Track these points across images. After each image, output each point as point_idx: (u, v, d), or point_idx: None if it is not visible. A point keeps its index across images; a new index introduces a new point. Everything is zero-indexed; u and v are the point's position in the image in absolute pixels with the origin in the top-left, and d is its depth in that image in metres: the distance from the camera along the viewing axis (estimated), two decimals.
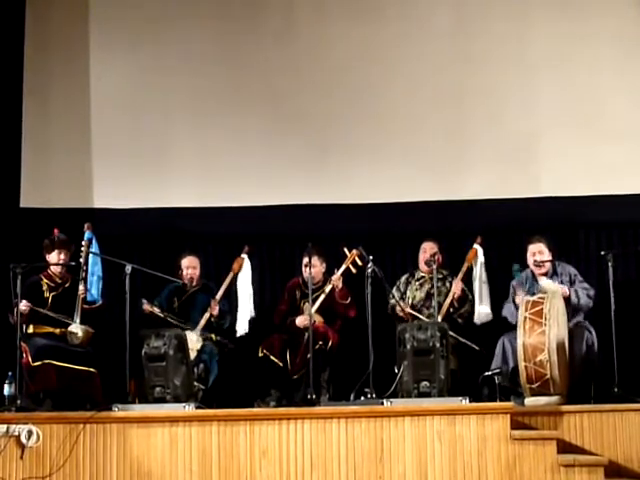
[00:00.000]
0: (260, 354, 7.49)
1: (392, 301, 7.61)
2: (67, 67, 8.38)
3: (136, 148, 8.31)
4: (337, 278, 7.53)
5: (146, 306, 7.50)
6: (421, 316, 7.57)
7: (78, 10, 8.44)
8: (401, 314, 7.52)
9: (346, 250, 7.55)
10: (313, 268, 7.40)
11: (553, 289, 6.97)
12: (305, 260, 7.45)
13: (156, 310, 7.50)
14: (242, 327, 7.65)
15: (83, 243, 7.25)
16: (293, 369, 7.40)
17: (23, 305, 6.84)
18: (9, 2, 8.28)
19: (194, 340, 7.34)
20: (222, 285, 7.69)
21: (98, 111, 8.36)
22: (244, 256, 7.76)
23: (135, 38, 8.42)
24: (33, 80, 8.32)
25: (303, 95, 8.40)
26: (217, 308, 7.57)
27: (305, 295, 7.52)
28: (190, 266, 7.75)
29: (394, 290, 7.75)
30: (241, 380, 7.68)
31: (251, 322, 7.70)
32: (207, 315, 7.57)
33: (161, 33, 8.40)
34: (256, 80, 8.39)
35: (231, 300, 7.80)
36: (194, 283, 7.77)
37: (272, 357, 7.45)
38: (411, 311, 7.61)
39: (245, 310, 7.66)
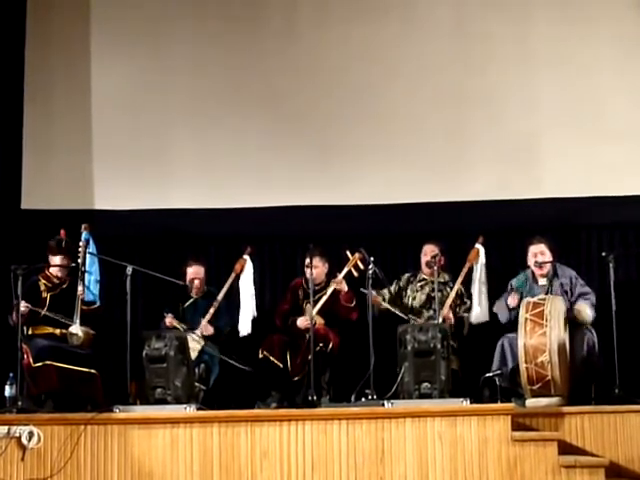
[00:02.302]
0: (260, 355, 7.47)
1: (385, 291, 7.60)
2: (68, 68, 8.38)
3: (137, 149, 8.31)
4: (339, 281, 7.52)
5: (169, 320, 7.50)
6: (397, 312, 7.53)
7: (79, 11, 8.43)
8: (378, 306, 7.47)
9: (348, 253, 7.55)
10: (315, 269, 7.40)
11: (585, 315, 7.00)
12: (307, 261, 7.45)
13: (179, 325, 7.49)
14: (245, 328, 7.64)
15: (80, 244, 7.24)
16: (293, 370, 7.39)
17: (22, 306, 6.82)
18: (10, 3, 8.28)
19: (195, 340, 7.33)
20: (223, 287, 7.68)
21: (99, 112, 8.36)
22: (246, 257, 7.75)
23: (136, 38, 8.42)
24: (34, 81, 8.32)
25: (304, 96, 8.39)
26: (211, 328, 7.58)
27: (308, 295, 7.52)
28: (196, 277, 7.74)
29: (394, 284, 7.73)
30: (242, 381, 7.67)
31: (253, 322, 7.69)
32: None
33: (162, 33, 8.40)
34: (257, 81, 8.39)
35: (232, 302, 7.77)
36: (199, 290, 7.78)
37: (272, 358, 7.43)
38: (388, 306, 7.56)
39: (247, 310, 7.66)
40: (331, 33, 8.42)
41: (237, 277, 7.71)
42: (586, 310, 7.13)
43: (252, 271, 7.73)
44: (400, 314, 7.49)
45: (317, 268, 7.57)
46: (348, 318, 7.59)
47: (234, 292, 7.74)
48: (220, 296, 7.64)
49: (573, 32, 8.27)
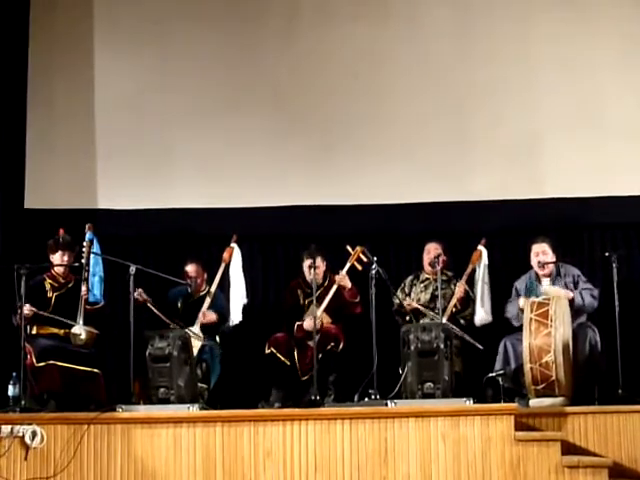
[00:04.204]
0: (267, 351, 7.46)
1: (397, 300, 7.62)
2: (71, 68, 8.38)
3: (140, 149, 8.30)
4: (342, 277, 7.52)
5: (140, 295, 7.40)
6: (426, 311, 7.56)
7: (82, 11, 8.44)
8: (407, 308, 7.51)
9: (349, 248, 7.55)
10: (317, 269, 7.40)
11: (555, 293, 6.98)
12: (309, 262, 7.44)
13: (149, 300, 7.45)
14: (236, 315, 7.64)
15: (84, 244, 7.24)
16: (303, 370, 7.38)
17: (27, 309, 6.83)
18: (14, 4, 8.28)
19: (194, 337, 7.32)
20: (215, 278, 7.69)
21: (102, 112, 8.36)
22: (233, 245, 7.75)
23: (139, 39, 8.42)
24: (38, 81, 8.32)
25: (306, 96, 8.40)
26: (212, 315, 7.60)
27: (307, 294, 7.52)
28: (196, 276, 7.75)
29: (399, 292, 7.73)
30: (245, 380, 7.69)
31: (245, 309, 7.68)
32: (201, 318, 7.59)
33: (165, 34, 8.40)
34: (259, 81, 8.39)
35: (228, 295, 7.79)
36: (201, 289, 7.79)
37: (279, 355, 7.43)
38: (416, 305, 7.60)
39: (237, 298, 7.66)
40: (332, 33, 8.43)
41: (227, 266, 7.71)
42: (550, 287, 7.09)
43: (240, 259, 7.73)
44: (430, 313, 7.51)
45: (318, 268, 7.56)
46: (352, 312, 7.59)
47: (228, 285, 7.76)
48: (213, 287, 7.64)
49: (574, 32, 8.27)
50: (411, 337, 6.25)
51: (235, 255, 7.74)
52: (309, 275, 7.49)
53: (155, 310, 7.44)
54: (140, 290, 7.34)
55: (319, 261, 7.58)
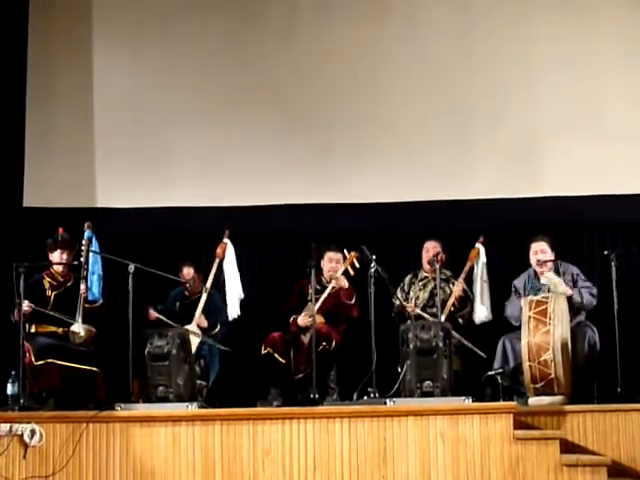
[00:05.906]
0: (263, 351, 7.45)
1: (397, 302, 7.62)
2: (70, 66, 8.40)
3: (139, 148, 8.32)
4: (339, 278, 7.51)
5: (152, 313, 7.50)
6: (427, 316, 7.56)
7: (81, 10, 8.45)
8: (411, 313, 7.52)
9: (346, 252, 7.56)
10: (333, 263, 7.51)
11: (555, 281, 6.97)
12: (330, 254, 7.50)
13: (163, 317, 7.48)
14: (233, 310, 7.64)
15: (83, 242, 7.23)
16: (296, 369, 7.38)
17: (26, 306, 6.84)
18: (13, 3, 8.28)
19: (192, 334, 7.31)
20: (210, 275, 7.67)
21: (101, 111, 8.37)
22: (226, 240, 7.74)
23: (138, 38, 8.43)
24: (37, 80, 8.33)
25: (307, 95, 8.40)
26: (204, 321, 7.59)
27: (316, 291, 7.53)
28: (192, 278, 7.75)
29: (398, 291, 7.74)
30: (244, 379, 7.69)
31: (243, 308, 7.68)
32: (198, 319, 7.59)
33: (164, 33, 8.41)
34: (258, 80, 8.39)
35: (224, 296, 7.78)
36: (198, 290, 7.77)
37: (276, 355, 7.43)
38: (419, 311, 7.60)
39: (234, 293, 7.66)
40: (332, 33, 8.44)
41: (220, 262, 7.70)
42: (552, 277, 7.09)
43: (234, 254, 7.72)
44: (431, 318, 7.51)
45: (339, 262, 7.59)
46: (349, 315, 7.58)
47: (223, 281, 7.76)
48: (208, 284, 7.62)
49: (574, 32, 8.27)
50: (410, 335, 6.24)
51: (228, 250, 7.73)
52: (327, 269, 7.57)
53: (169, 321, 7.44)
54: (150, 310, 7.46)
55: (340, 256, 7.61)
